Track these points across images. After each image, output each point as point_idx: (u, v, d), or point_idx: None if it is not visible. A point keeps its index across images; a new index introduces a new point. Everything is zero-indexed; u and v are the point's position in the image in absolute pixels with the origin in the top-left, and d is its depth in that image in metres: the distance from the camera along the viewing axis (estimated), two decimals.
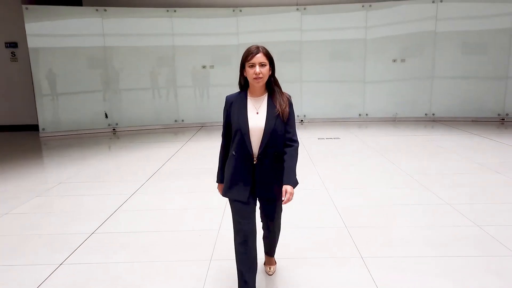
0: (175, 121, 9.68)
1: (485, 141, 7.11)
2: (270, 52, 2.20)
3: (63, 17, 8.62)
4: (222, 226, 3.51)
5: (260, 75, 2.13)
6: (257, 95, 2.24)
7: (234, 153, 2.22)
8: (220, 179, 2.39)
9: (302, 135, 8.01)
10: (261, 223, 2.47)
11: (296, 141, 2.25)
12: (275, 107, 2.18)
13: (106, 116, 9.19)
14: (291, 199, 2.17)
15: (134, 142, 7.98)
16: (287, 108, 2.20)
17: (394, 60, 9.43)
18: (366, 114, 9.75)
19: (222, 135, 2.36)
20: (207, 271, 2.80)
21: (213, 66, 9.57)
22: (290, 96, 2.27)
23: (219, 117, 2.31)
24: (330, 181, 4.89)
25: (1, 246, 3.32)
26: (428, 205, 4.01)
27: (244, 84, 2.28)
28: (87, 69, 9.04)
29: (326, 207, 3.99)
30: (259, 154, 2.18)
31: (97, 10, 8.75)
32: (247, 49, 2.19)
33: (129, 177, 5.35)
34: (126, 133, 9.05)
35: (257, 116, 2.19)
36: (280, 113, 2.17)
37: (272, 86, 2.23)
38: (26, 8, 8.27)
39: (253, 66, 2.14)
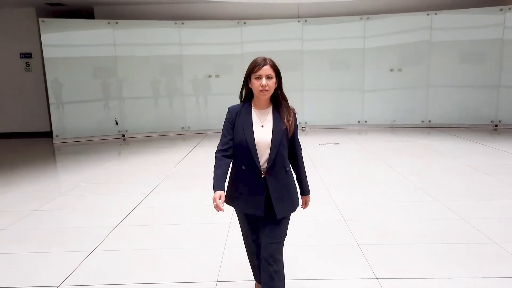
0: (182, 128, 10.10)
1: (478, 146, 7.50)
2: (277, 65, 2.16)
3: (77, 29, 9.11)
4: (233, 219, 3.90)
5: (267, 88, 2.08)
6: (262, 107, 2.19)
7: (244, 168, 2.16)
8: (218, 186, 2.13)
9: (304, 141, 8.39)
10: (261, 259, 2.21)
11: (300, 150, 2.31)
12: (281, 121, 2.15)
13: (117, 123, 9.61)
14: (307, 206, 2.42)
15: (144, 147, 8.40)
16: (293, 124, 2.18)
17: (391, 70, 9.87)
18: (365, 121, 10.16)
19: (222, 147, 2.20)
20: (222, 255, 3.19)
21: (218, 75, 10.02)
22: (294, 109, 2.24)
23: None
24: (330, 181, 5.29)
25: (37, 237, 3.71)
26: (419, 202, 4.41)
27: (246, 95, 2.23)
28: (99, 78, 9.50)
29: (326, 204, 4.39)
30: (268, 168, 2.13)
31: (109, 23, 9.23)
32: (254, 61, 2.14)
33: (144, 179, 5.75)
34: (135, 139, 9.47)
35: (262, 129, 2.14)
36: (288, 128, 2.14)
37: (279, 100, 2.19)
38: (43, 21, 8.75)
39: (259, 78, 2.08)
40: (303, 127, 10.15)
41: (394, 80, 9.91)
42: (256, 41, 9.76)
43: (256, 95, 2.15)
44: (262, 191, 2.15)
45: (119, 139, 9.57)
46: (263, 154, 2.13)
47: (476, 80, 9.54)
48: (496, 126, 9.51)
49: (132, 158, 7.35)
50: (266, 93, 2.11)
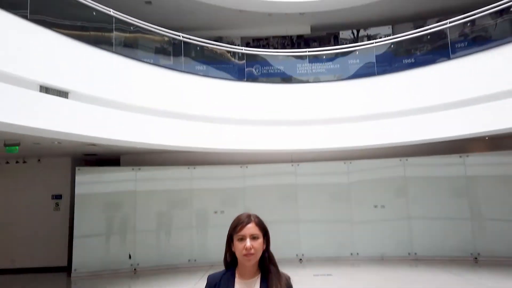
0: (188, 261, 10.97)
1: (455, 277, 8.37)
2: (264, 222, 1.87)
3: (105, 173, 10.85)
4: None
5: (252, 251, 1.78)
6: (247, 277, 1.84)
7: None
8: None
9: (300, 271, 9.29)
10: None
11: None
12: None
13: (130, 257, 10.55)
14: None
15: (154, 281, 9.21)
16: None
17: (375, 206, 11.21)
18: (357, 253, 11.05)
19: None
20: None
21: (223, 211, 11.34)
22: (289, 278, 1.88)
23: None
24: None
25: None
26: None
27: (231, 260, 1.91)
28: (117, 213, 10.81)
29: None
30: None
31: (132, 169, 11.01)
32: (237, 218, 1.90)
33: None
34: (145, 273, 10.25)
35: None
36: None
37: (266, 264, 1.83)
38: (79, 169, 10.51)
39: (243, 239, 1.80)
40: (300, 259, 11.01)
41: (378, 214, 11.13)
42: (255, 176, 11.40)
43: (240, 260, 1.84)
44: None
45: (131, 272, 10.37)
46: None
47: (450, 213, 10.64)
48: (476, 258, 10.32)
49: None
50: (251, 257, 1.80)
